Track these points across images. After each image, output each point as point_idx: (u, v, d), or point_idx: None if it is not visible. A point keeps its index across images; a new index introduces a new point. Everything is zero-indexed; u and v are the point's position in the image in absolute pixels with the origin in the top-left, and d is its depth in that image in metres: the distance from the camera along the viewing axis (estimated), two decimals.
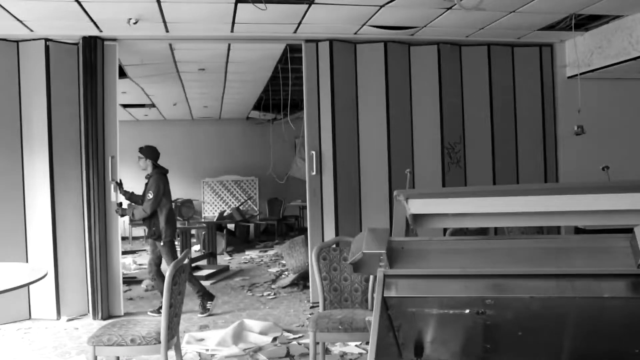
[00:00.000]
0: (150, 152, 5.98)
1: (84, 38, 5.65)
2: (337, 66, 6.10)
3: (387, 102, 6.20)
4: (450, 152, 6.35)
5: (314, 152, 6.12)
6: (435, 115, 6.31)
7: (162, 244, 5.80)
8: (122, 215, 5.90)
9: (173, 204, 11.08)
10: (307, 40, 6.08)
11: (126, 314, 5.80)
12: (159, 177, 5.89)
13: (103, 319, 5.58)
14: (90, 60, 5.65)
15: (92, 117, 5.64)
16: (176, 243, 10.95)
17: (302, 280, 6.97)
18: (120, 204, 5.82)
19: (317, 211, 6.12)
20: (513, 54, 6.56)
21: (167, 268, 5.75)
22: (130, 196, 5.97)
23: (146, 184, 5.91)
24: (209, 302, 5.91)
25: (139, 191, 6.08)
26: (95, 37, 5.67)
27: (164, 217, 5.81)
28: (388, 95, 6.20)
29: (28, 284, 3.39)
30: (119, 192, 5.82)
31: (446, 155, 6.33)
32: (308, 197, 6.14)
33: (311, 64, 6.11)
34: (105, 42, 5.77)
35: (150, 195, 5.76)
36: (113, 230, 5.82)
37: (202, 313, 5.84)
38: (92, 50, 5.65)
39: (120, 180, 5.85)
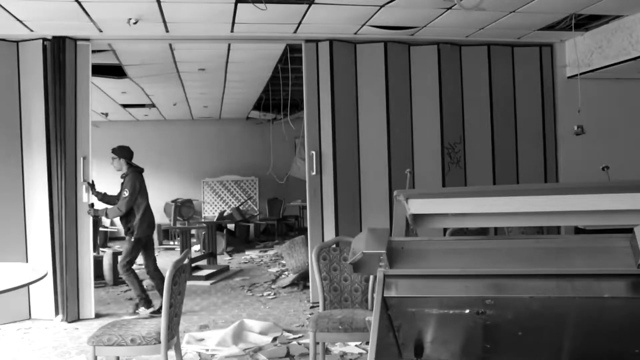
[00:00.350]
0: (123, 152, 6.03)
1: (54, 37, 5.58)
2: (337, 66, 6.09)
3: (387, 102, 6.20)
4: (450, 152, 6.35)
5: (314, 152, 6.12)
6: (435, 115, 6.30)
7: (132, 239, 5.80)
8: (95, 216, 5.89)
9: (173, 204, 11.01)
10: (307, 40, 6.08)
11: (97, 316, 5.74)
12: (135, 175, 5.93)
13: (71, 321, 5.55)
14: (59, 60, 5.57)
15: (60, 117, 5.57)
16: (177, 247, 10.96)
17: (302, 280, 6.97)
18: (92, 205, 5.79)
19: (317, 211, 6.12)
20: (513, 54, 6.56)
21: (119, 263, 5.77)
22: (102, 197, 5.98)
23: (122, 184, 5.93)
24: (143, 308, 5.87)
25: (113, 191, 6.09)
26: (65, 37, 5.59)
27: (140, 215, 5.83)
28: (388, 95, 6.20)
29: (28, 284, 3.39)
30: (91, 193, 5.78)
31: (446, 155, 6.33)
32: (308, 197, 6.14)
33: (311, 64, 6.11)
34: (78, 42, 5.70)
35: (125, 194, 5.81)
36: (84, 231, 5.74)
37: (134, 312, 5.86)
38: (62, 50, 5.58)
39: (93, 182, 5.80)
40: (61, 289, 5.56)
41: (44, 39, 5.62)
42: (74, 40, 5.69)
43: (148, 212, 5.95)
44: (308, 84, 6.12)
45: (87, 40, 5.74)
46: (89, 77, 5.78)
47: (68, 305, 5.56)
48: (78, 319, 5.64)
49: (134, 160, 6.15)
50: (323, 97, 6.10)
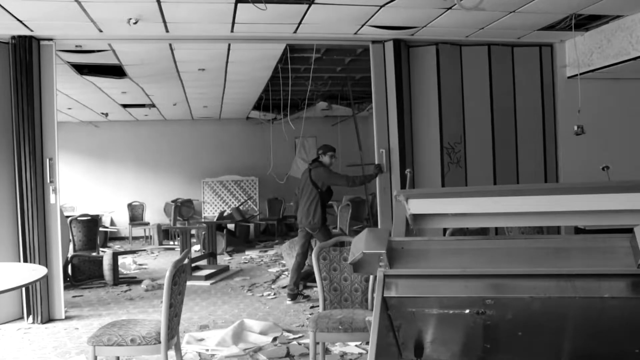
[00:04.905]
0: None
1: (19, 37, 5.52)
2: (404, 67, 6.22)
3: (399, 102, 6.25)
4: (450, 152, 6.35)
5: (383, 150, 6.15)
6: (434, 115, 6.30)
7: (317, 230, 6.18)
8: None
9: (173, 204, 11.06)
10: (374, 42, 6.18)
11: (67, 318, 5.74)
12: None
13: (42, 322, 5.53)
14: (26, 60, 5.52)
15: (28, 118, 5.51)
16: (177, 247, 10.98)
17: (302, 280, 6.96)
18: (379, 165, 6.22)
19: (387, 207, 6.20)
20: (513, 54, 6.56)
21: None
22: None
23: (314, 175, 6.23)
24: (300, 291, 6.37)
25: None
26: (30, 37, 5.54)
27: (322, 204, 6.23)
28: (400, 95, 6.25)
29: (28, 284, 3.40)
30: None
31: (445, 155, 6.34)
32: (378, 194, 6.25)
33: (379, 64, 6.21)
34: (42, 42, 5.66)
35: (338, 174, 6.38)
36: (52, 232, 5.71)
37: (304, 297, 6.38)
38: (27, 50, 5.52)
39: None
40: (32, 291, 5.53)
41: (12, 37, 5.55)
42: (38, 40, 5.64)
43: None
44: (376, 83, 6.27)
45: (51, 40, 5.69)
46: (53, 78, 5.71)
47: (39, 307, 5.54)
48: (49, 320, 5.64)
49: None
50: (390, 96, 6.21)
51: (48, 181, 5.69)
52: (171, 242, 11.65)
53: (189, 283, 6.57)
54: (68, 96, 9.07)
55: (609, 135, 6.62)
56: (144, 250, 10.64)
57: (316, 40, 6.14)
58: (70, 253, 7.88)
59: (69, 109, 10.46)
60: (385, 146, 6.19)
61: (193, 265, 7.94)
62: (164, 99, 9.94)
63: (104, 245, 10.88)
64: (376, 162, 6.25)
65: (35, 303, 5.54)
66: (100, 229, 9.82)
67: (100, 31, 5.57)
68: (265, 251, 10.31)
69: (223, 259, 9.39)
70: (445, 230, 4.46)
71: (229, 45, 6.35)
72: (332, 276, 4.04)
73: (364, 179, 6.23)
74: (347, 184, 6.21)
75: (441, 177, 6.31)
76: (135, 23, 5.20)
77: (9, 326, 5.49)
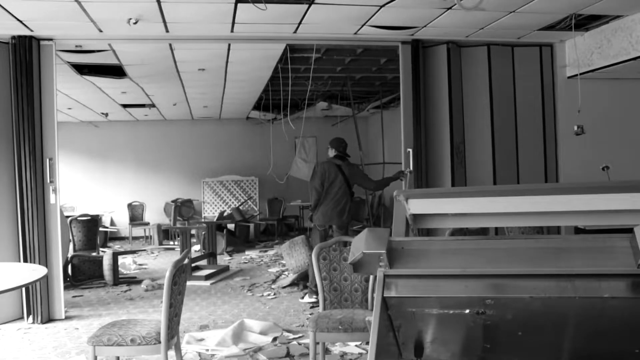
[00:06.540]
0: (332, 143, 6.34)
1: (19, 37, 5.51)
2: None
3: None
4: (457, 153, 6.36)
5: (410, 150, 6.18)
6: (445, 115, 6.32)
7: (345, 229, 6.07)
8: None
9: (173, 204, 11.06)
10: (403, 42, 6.20)
11: (67, 318, 5.75)
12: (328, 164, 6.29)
13: (42, 322, 5.54)
14: (26, 60, 5.51)
15: (28, 118, 5.51)
16: (177, 247, 10.99)
17: (302, 280, 6.97)
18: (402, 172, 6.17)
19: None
20: (513, 54, 6.56)
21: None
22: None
23: (348, 173, 6.11)
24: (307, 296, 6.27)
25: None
26: (30, 37, 5.54)
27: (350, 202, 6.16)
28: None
29: (28, 284, 3.40)
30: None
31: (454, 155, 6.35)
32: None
33: (407, 65, 6.22)
34: (42, 42, 5.66)
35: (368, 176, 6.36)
36: (52, 232, 5.71)
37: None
38: (27, 50, 5.52)
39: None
40: (32, 291, 5.53)
41: (12, 37, 5.54)
42: (38, 40, 5.63)
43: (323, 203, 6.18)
44: (405, 84, 6.24)
45: (51, 40, 5.69)
46: (53, 78, 5.71)
47: (39, 307, 5.54)
48: (49, 320, 5.64)
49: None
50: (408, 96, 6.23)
51: (48, 181, 5.69)
52: (171, 242, 11.65)
53: (189, 283, 6.57)
54: (68, 96, 9.07)
55: (609, 135, 6.62)
56: (144, 250, 10.65)
57: (316, 40, 6.15)
58: (70, 253, 7.88)
59: (69, 109, 10.46)
60: (411, 146, 6.20)
61: (193, 265, 7.94)
62: (164, 99, 9.94)
63: (104, 245, 10.88)
64: (402, 167, 6.24)
65: (35, 303, 5.54)
66: (100, 229, 9.82)
67: (100, 31, 5.56)
68: (265, 251, 10.31)
69: (223, 259, 9.39)
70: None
71: (229, 45, 6.35)
72: (332, 276, 4.04)
73: (386, 181, 6.26)
74: (374, 187, 6.34)
75: (451, 177, 6.29)
76: (135, 23, 5.20)
77: (9, 326, 5.49)
